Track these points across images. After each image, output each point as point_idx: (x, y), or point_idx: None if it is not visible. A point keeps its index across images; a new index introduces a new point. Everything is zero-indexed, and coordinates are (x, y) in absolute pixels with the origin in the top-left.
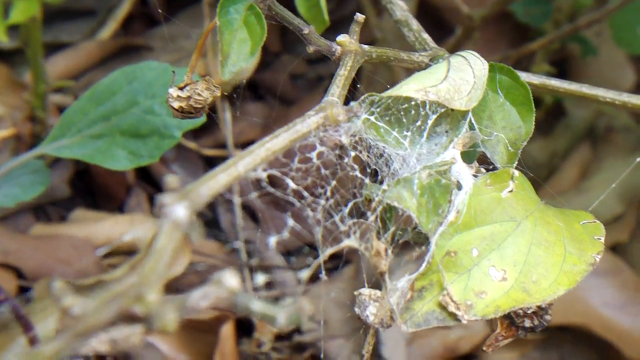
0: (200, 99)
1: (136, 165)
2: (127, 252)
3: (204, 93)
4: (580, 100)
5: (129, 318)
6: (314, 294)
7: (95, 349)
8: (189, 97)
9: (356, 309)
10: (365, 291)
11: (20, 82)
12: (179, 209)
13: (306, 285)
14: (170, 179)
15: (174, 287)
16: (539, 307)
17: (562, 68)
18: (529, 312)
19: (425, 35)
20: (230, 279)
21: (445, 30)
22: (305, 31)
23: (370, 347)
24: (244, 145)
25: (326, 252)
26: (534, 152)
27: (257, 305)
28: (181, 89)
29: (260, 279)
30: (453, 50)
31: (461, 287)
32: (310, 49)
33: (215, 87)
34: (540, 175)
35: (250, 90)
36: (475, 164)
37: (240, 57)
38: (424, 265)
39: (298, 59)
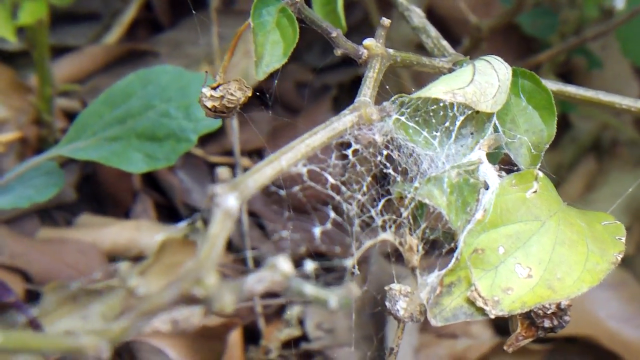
0: (233, 99)
1: (152, 168)
2: (134, 257)
3: (236, 93)
4: (586, 113)
5: (189, 300)
6: None
7: (158, 328)
8: (222, 97)
9: (387, 303)
10: (396, 286)
11: (24, 84)
12: (230, 199)
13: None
14: (222, 171)
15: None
16: (559, 307)
17: (568, 80)
18: (548, 312)
19: (444, 42)
20: (284, 263)
21: (451, 40)
22: (333, 34)
23: (399, 340)
24: (250, 152)
25: (364, 246)
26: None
27: (310, 289)
28: (214, 88)
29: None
30: None
31: (488, 284)
32: (338, 52)
33: (247, 87)
34: None
35: (256, 99)
36: (497, 165)
37: (273, 58)
38: (452, 261)
39: (305, 68)
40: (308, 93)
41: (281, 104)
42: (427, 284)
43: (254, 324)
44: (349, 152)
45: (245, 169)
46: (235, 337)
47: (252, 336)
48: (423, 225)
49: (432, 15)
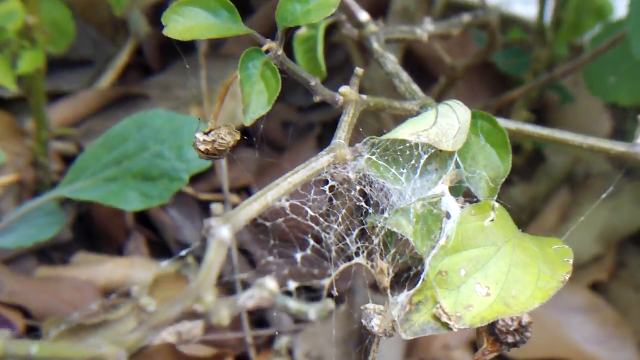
0: (223, 142)
1: (147, 206)
2: (128, 293)
3: (227, 137)
4: (558, 147)
5: (192, 315)
6: (309, 332)
7: (165, 338)
8: (213, 141)
9: (363, 321)
10: (371, 306)
11: (21, 129)
12: (223, 230)
13: (302, 323)
14: (216, 207)
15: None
16: (520, 324)
17: (541, 116)
18: (511, 329)
19: (414, 86)
20: (270, 282)
21: (430, 79)
22: (312, 83)
23: (375, 354)
24: (238, 189)
25: (340, 268)
26: (515, 196)
27: (293, 304)
28: (206, 133)
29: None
30: (437, 99)
31: (452, 301)
32: (317, 98)
33: (235, 131)
34: (522, 218)
35: (243, 138)
36: (461, 197)
37: (258, 105)
38: (419, 282)
39: (290, 108)
40: (293, 131)
41: (268, 142)
42: (398, 302)
43: (245, 354)
44: (326, 188)
45: (234, 205)
46: None
47: None
48: (392, 251)
49: (411, 56)
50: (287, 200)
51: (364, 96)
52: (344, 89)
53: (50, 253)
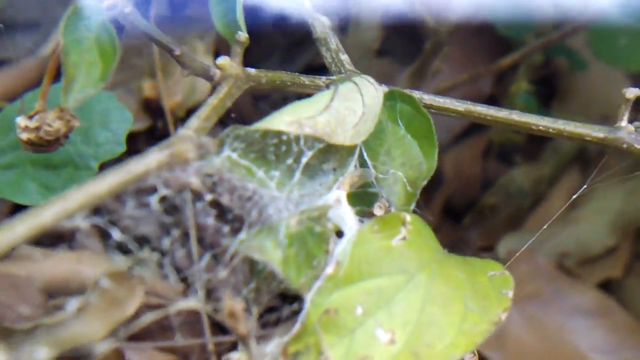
0: (51, 130)
1: (48, 199)
2: (75, 292)
3: (54, 123)
4: (570, 118)
5: None
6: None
7: None
8: (38, 128)
9: None
10: (235, 355)
11: None
12: None
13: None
14: None
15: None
16: None
17: (549, 84)
18: None
19: (344, 57)
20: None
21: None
22: (177, 52)
23: None
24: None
25: (146, 317)
26: (517, 178)
27: None
28: (30, 117)
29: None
30: (422, 68)
31: (343, 352)
32: (185, 73)
33: (71, 116)
34: (524, 204)
35: None
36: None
37: (89, 82)
38: (297, 325)
39: None
40: (267, 106)
41: (237, 118)
42: (266, 354)
43: None
44: (153, 199)
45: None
46: None
47: None
48: (253, 284)
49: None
50: (86, 218)
51: (253, 70)
52: (222, 60)
53: None
